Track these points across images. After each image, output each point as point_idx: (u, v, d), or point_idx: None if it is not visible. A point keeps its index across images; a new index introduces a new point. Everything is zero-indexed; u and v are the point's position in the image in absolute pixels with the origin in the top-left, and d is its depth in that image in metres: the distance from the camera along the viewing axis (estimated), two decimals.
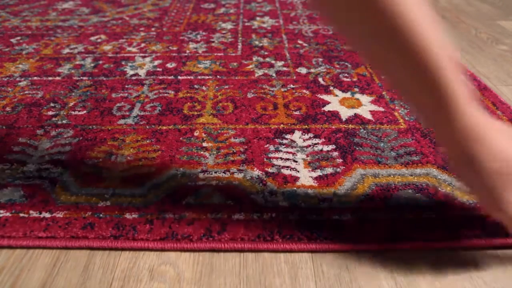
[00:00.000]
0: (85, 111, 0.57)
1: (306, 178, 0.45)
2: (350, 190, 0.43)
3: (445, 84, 0.29)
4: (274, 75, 0.67)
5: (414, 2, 0.28)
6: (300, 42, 0.80)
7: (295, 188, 0.43)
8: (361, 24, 0.30)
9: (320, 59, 0.72)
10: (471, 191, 0.33)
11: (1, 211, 0.41)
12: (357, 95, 0.61)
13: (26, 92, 0.62)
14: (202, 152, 0.49)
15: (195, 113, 0.57)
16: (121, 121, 0.55)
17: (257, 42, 0.80)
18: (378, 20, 0.28)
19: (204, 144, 0.50)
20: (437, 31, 0.29)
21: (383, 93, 0.61)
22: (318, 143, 0.50)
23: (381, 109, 0.57)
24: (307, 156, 0.48)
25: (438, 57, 0.28)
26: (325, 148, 0.49)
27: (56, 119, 0.56)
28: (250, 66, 0.70)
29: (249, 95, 0.61)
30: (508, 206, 0.30)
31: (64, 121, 0.55)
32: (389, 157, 0.48)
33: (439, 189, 0.43)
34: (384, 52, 0.30)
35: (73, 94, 0.62)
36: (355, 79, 0.65)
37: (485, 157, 0.30)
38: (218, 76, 0.67)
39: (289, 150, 0.49)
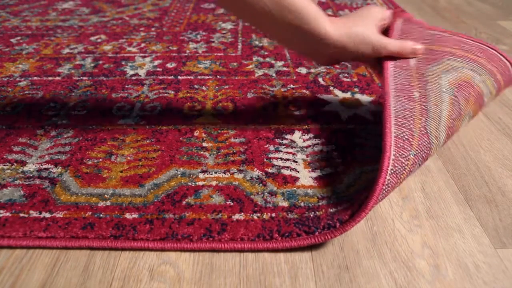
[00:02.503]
0: (85, 111, 0.57)
1: (306, 178, 0.45)
2: (349, 186, 0.43)
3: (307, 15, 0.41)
4: (274, 75, 0.67)
5: None
6: None
7: (295, 188, 0.43)
8: None
9: None
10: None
11: (1, 211, 0.41)
12: (357, 95, 0.61)
13: (26, 92, 0.62)
14: (202, 152, 0.49)
15: (195, 113, 0.57)
16: (121, 121, 0.55)
17: (257, 42, 0.80)
18: None
19: (204, 144, 0.50)
20: None
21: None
22: (318, 143, 0.50)
23: (381, 109, 0.57)
24: (307, 156, 0.48)
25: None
26: (325, 148, 0.49)
27: (56, 119, 0.56)
28: (250, 66, 0.70)
29: (249, 95, 0.61)
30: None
31: (64, 121, 0.55)
32: None
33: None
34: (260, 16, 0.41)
35: (73, 94, 0.62)
36: (355, 79, 0.65)
37: (351, 47, 0.43)
38: (218, 76, 0.67)
39: (289, 150, 0.49)
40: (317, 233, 0.37)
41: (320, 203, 0.41)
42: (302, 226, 0.38)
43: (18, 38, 0.83)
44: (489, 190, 0.43)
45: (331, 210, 0.39)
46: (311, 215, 0.39)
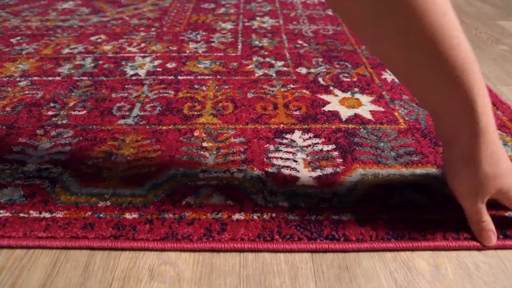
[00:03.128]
0: (85, 111, 0.57)
1: (306, 178, 0.45)
2: (350, 190, 0.43)
3: (471, 88, 0.33)
4: (274, 75, 0.67)
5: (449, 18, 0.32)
6: (300, 42, 0.80)
7: (295, 188, 0.43)
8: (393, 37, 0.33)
9: (320, 59, 0.72)
10: (456, 189, 0.38)
11: (1, 211, 0.41)
12: (357, 95, 0.61)
13: (26, 92, 0.62)
14: (202, 152, 0.49)
15: (195, 113, 0.57)
16: (121, 121, 0.55)
17: (257, 42, 0.80)
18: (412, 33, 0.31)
19: (204, 144, 0.50)
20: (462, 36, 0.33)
21: (383, 93, 0.61)
22: (318, 143, 0.50)
23: (381, 109, 0.57)
24: (307, 156, 0.48)
25: (467, 63, 0.32)
26: (325, 148, 0.49)
27: (56, 119, 0.56)
28: (250, 66, 0.70)
29: (249, 95, 0.61)
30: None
31: (64, 121, 0.55)
32: (389, 157, 0.48)
33: (439, 189, 0.43)
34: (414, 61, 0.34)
35: (73, 94, 0.62)
36: (355, 79, 0.65)
37: (486, 160, 0.35)
38: (218, 76, 0.67)
39: (289, 150, 0.49)
40: (319, 240, 0.37)
41: (321, 205, 0.41)
42: (303, 230, 0.38)
43: (18, 38, 0.83)
44: None
45: (334, 217, 0.39)
46: (313, 219, 0.39)
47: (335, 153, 0.48)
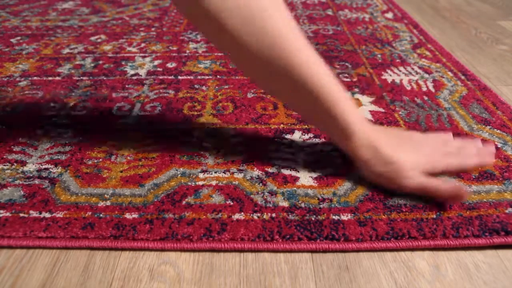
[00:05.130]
0: (85, 111, 0.57)
1: (306, 178, 0.45)
2: (350, 190, 0.43)
3: (340, 114, 0.39)
4: None
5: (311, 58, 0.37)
6: None
7: (295, 188, 0.43)
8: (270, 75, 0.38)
9: None
10: (367, 179, 0.43)
11: (1, 211, 0.41)
12: (357, 95, 0.61)
13: (26, 92, 0.62)
14: (202, 152, 0.49)
15: (195, 113, 0.57)
16: (121, 121, 0.55)
17: None
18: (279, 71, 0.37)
19: (204, 144, 0.50)
20: (327, 70, 0.39)
21: (383, 94, 0.61)
22: (318, 143, 0.50)
23: (381, 109, 0.57)
24: (307, 156, 0.48)
25: (331, 93, 0.38)
26: (325, 148, 0.49)
27: (56, 119, 0.56)
28: None
29: (249, 95, 0.61)
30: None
31: (64, 121, 0.55)
32: None
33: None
34: (286, 92, 0.40)
35: (73, 94, 0.62)
36: (355, 79, 0.65)
37: (376, 162, 0.41)
38: (218, 76, 0.67)
39: (289, 150, 0.49)
40: (319, 240, 0.37)
41: (321, 205, 0.41)
42: (303, 230, 0.38)
43: (18, 38, 0.83)
44: None
45: (334, 217, 0.39)
46: (313, 219, 0.39)
47: (335, 153, 0.48)
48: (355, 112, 0.40)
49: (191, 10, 0.35)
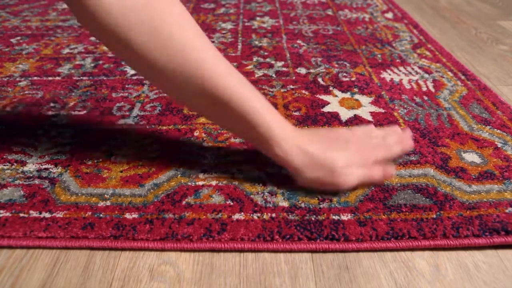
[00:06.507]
0: (85, 111, 0.57)
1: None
2: (350, 190, 0.43)
3: (262, 123, 0.38)
4: (273, 75, 0.67)
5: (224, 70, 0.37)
6: (300, 42, 0.80)
7: (294, 188, 0.43)
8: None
9: (319, 59, 0.72)
10: (303, 185, 0.42)
11: (1, 211, 0.41)
12: (357, 96, 0.61)
13: (26, 92, 0.62)
14: (202, 152, 0.49)
15: (195, 113, 0.57)
16: (121, 121, 0.55)
17: (257, 42, 0.80)
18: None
19: (204, 144, 0.50)
20: (242, 79, 0.38)
21: (382, 92, 0.61)
22: None
23: (381, 110, 0.57)
24: None
25: (248, 103, 0.37)
26: None
27: (56, 119, 0.56)
28: (250, 67, 0.70)
29: None
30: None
31: (64, 121, 0.55)
32: None
33: (439, 189, 0.43)
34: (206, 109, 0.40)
35: (73, 94, 0.62)
36: (353, 79, 0.65)
37: (310, 167, 0.40)
38: None
39: None
40: (319, 240, 0.37)
41: (321, 205, 0.41)
42: (303, 230, 0.38)
43: (18, 38, 0.83)
44: None
45: (334, 217, 0.39)
46: (313, 219, 0.39)
47: None
48: (278, 118, 0.39)
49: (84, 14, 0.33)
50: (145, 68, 0.36)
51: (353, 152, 0.41)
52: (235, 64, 0.71)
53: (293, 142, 0.39)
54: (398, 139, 0.44)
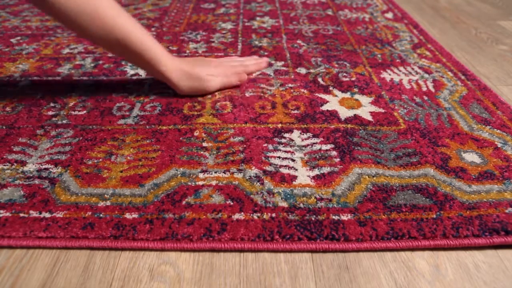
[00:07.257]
0: (85, 111, 0.57)
1: (303, 177, 0.45)
2: (349, 190, 0.43)
3: (153, 55, 0.55)
4: (272, 74, 0.67)
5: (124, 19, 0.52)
6: (300, 42, 0.80)
7: (292, 187, 0.43)
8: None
9: (319, 59, 0.72)
10: (181, 93, 0.60)
11: (1, 211, 0.41)
12: (357, 96, 0.61)
13: (26, 92, 0.62)
14: (202, 152, 0.49)
15: (195, 113, 0.57)
16: (121, 121, 0.55)
17: (257, 42, 0.80)
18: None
19: (204, 144, 0.50)
20: (142, 30, 0.54)
21: (382, 92, 0.61)
22: (316, 142, 0.50)
23: (381, 110, 0.57)
24: (305, 155, 0.48)
25: (148, 45, 0.54)
26: (324, 147, 0.49)
27: (56, 119, 0.56)
28: None
29: (248, 94, 0.61)
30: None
31: (64, 121, 0.55)
32: (388, 159, 0.48)
33: (439, 189, 0.43)
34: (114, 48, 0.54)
35: (73, 94, 0.62)
36: (353, 78, 0.65)
37: (185, 79, 0.58)
38: None
39: (288, 149, 0.49)
40: (319, 240, 0.37)
41: (319, 205, 0.41)
42: (303, 230, 0.38)
43: (18, 38, 0.83)
44: None
45: (334, 217, 0.39)
46: (313, 219, 0.39)
47: (334, 153, 0.48)
48: (164, 52, 0.56)
49: None
50: (75, 26, 0.50)
51: (214, 67, 0.60)
52: None
53: (174, 63, 0.57)
54: (255, 62, 0.66)
